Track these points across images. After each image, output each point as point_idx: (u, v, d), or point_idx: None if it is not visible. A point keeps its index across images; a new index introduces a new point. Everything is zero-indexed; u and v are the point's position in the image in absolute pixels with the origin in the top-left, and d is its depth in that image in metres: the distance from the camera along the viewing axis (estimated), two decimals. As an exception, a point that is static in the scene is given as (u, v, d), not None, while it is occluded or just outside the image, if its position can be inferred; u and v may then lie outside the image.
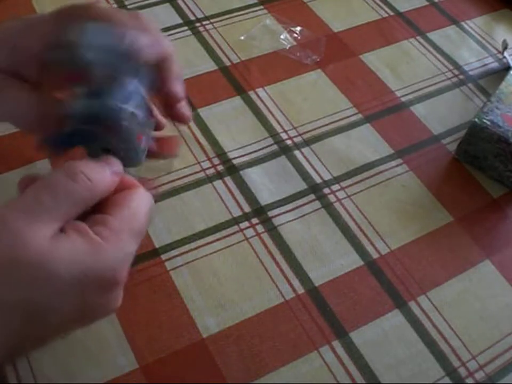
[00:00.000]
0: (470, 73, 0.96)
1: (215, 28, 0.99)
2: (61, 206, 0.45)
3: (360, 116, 0.88)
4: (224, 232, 0.74)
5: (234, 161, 0.81)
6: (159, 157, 0.64)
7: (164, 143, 0.63)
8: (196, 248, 0.72)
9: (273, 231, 0.74)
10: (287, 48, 0.97)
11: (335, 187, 0.79)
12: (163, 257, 0.71)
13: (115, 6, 1.00)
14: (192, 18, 1.00)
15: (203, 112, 0.86)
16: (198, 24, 0.99)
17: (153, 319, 0.66)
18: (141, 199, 0.50)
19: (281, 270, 0.71)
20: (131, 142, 0.55)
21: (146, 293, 0.68)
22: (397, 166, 0.82)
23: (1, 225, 0.43)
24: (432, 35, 1.02)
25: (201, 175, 0.79)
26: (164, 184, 0.78)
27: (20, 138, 0.81)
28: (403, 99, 0.91)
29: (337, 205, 0.77)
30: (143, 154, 0.58)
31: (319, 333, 0.66)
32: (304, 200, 0.78)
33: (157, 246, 0.72)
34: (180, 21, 0.99)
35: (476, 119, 0.79)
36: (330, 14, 1.03)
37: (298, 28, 0.99)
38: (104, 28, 0.53)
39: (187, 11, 1.01)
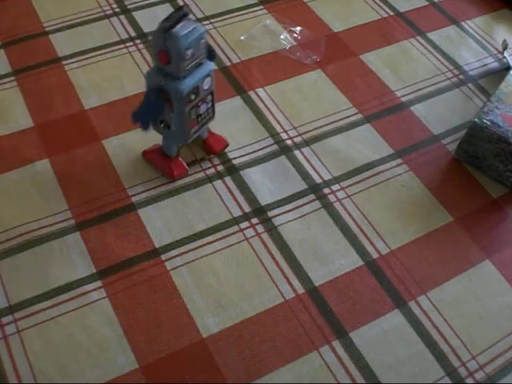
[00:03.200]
0: (470, 73, 0.96)
1: (215, 28, 0.99)
2: None
3: (360, 115, 0.88)
4: (224, 232, 0.74)
5: (234, 161, 0.81)
6: (204, 148, 0.79)
7: (215, 139, 0.80)
8: (195, 248, 0.72)
9: (273, 231, 0.74)
10: (287, 48, 0.97)
11: (335, 187, 0.79)
12: (163, 257, 0.71)
13: (115, 6, 1.00)
14: (192, 18, 1.00)
15: (203, 112, 0.86)
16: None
17: (153, 319, 0.66)
18: None
19: (281, 270, 0.71)
20: (185, 123, 0.71)
21: (146, 293, 0.68)
22: (397, 166, 0.82)
23: None
24: (432, 35, 1.02)
25: (201, 175, 0.79)
26: (164, 184, 0.78)
27: (20, 138, 0.81)
28: (403, 99, 0.91)
29: (337, 204, 0.77)
30: (191, 136, 0.74)
31: (319, 333, 0.66)
32: (304, 200, 0.78)
33: (157, 245, 0.72)
34: (180, 21, 0.99)
35: (476, 119, 0.79)
36: (330, 14, 1.03)
37: (298, 28, 0.99)
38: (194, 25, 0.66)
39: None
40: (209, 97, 0.73)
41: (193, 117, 0.72)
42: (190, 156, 0.80)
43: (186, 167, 0.78)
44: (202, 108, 0.73)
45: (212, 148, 0.80)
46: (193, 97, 0.70)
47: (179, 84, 0.68)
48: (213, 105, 0.75)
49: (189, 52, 0.66)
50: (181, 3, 1.02)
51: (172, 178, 0.77)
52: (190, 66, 0.67)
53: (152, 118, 0.72)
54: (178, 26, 0.64)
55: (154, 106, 0.70)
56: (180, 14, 0.65)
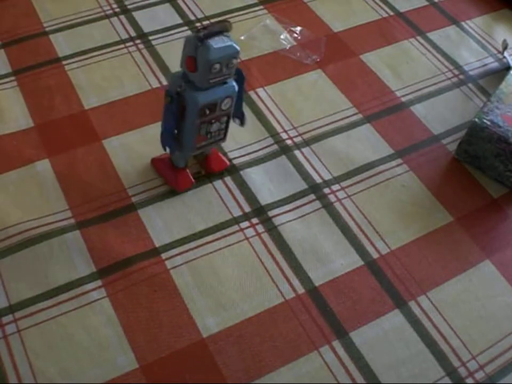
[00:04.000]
0: (470, 73, 0.96)
1: (215, 28, 0.99)
2: None
3: (360, 115, 0.88)
4: (224, 232, 0.74)
5: (235, 161, 0.81)
6: (203, 164, 0.78)
7: (217, 158, 0.79)
8: (196, 248, 0.72)
9: (273, 230, 0.74)
10: (287, 48, 0.97)
11: (335, 187, 0.79)
12: (163, 256, 0.71)
13: (115, 6, 1.00)
14: (192, 18, 1.00)
15: (203, 112, 0.86)
16: (198, 24, 0.99)
17: (153, 319, 0.66)
18: None
19: (281, 270, 0.71)
20: (192, 134, 0.70)
21: (147, 292, 0.68)
22: (397, 166, 0.82)
23: None
24: (432, 35, 1.02)
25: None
26: (164, 184, 0.78)
27: (20, 138, 0.81)
28: (403, 99, 0.91)
29: (337, 204, 0.77)
30: (195, 150, 0.73)
31: (319, 333, 0.66)
32: (304, 200, 0.78)
33: (157, 245, 0.72)
34: (180, 21, 0.99)
35: (476, 119, 0.79)
36: (330, 14, 1.03)
37: (298, 28, 0.99)
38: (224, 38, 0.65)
39: (187, 11, 1.01)
40: (224, 119, 0.72)
41: (203, 133, 0.71)
42: (196, 167, 0.80)
43: (193, 179, 0.77)
44: (214, 127, 0.71)
45: (210, 167, 0.78)
46: (208, 112, 0.68)
47: (198, 94, 0.66)
48: (226, 128, 0.73)
49: (217, 66, 0.64)
50: (181, 3, 1.02)
51: (178, 191, 0.76)
52: (214, 80, 0.66)
53: (172, 126, 0.70)
54: (214, 39, 0.63)
55: (169, 111, 0.68)
56: (221, 26, 0.64)
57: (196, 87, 0.66)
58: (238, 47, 0.66)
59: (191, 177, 0.77)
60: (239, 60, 0.67)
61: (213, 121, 0.70)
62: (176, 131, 0.71)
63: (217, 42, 0.63)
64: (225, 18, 0.65)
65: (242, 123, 0.75)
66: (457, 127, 0.88)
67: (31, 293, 0.67)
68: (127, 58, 0.93)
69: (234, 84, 0.69)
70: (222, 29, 0.64)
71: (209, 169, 0.79)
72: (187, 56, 0.65)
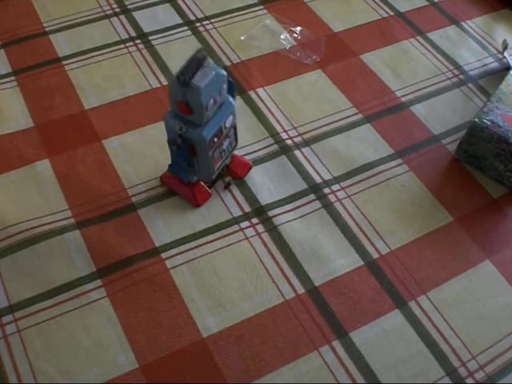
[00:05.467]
0: (470, 73, 0.96)
1: (215, 28, 0.99)
2: None
3: (360, 115, 0.88)
4: (224, 232, 0.74)
5: (235, 161, 0.81)
6: (229, 174, 0.77)
7: (239, 162, 0.78)
8: (196, 247, 0.72)
9: (273, 230, 0.74)
10: (287, 48, 0.97)
11: (335, 187, 0.79)
12: (163, 255, 0.71)
13: (115, 6, 1.00)
14: (192, 18, 1.00)
15: (203, 112, 0.86)
16: (198, 24, 0.99)
17: (153, 319, 0.66)
18: None
19: (281, 270, 0.71)
20: (209, 164, 0.69)
21: (147, 292, 0.68)
22: (397, 166, 0.82)
23: None
24: (432, 35, 1.02)
25: (201, 175, 0.79)
26: (164, 184, 0.78)
27: (20, 138, 0.81)
28: (403, 99, 0.91)
29: (337, 204, 0.77)
30: (215, 173, 0.72)
31: (319, 333, 0.66)
32: (304, 200, 0.78)
33: (157, 244, 0.72)
34: (180, 21, 0.99)
35: (476, 119, 0.79)
36: (330, 14, 1.03)
37: (298, 28, 0.99)
38: (213, 76, 0.62)
39: (187, 11, 1.01)
40: (232, 131, 0.71)
41: (217, 155, 0.70)
42: (223, 179, 0.78)
43: (209, 190, 0.76)
44: (225, 144, 0.71)
45: (236, 173, 0.78)
46: (216, 139, 0.67)
47: (202, 131, 0.65)
48: (235, 134, 0.73)
49: (211, 101, 0.63)
50: (181, 3, 1.02)
51: (196, 206, 0.75)
52: (212, 112, 0.65)
53: (185, 166, 0.69)
54: (198, 76, 0.60)
55: (180, 156, 0.67)
56: (198, 58, 0.61)
57: (196, 124, 0.65)
58: (223, 71, 0.63)
59: (207, 188, 0.76)
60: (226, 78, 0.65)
61: (223, 141, 0.70)
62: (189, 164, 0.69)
63: (202, 79, 0.60)
64: (199, 48, 0.62)
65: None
66: (457, 127, 0.88)
67: (31, 293, 0.67)
68: (127, 58, 0.93)
69: (230, 99, 0.68)
70: (200, 61, 0.61)
71: (235, 176, 0.78)
72: (177, 102, 0.62)
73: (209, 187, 0.76)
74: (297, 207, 0.77)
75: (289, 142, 0.84)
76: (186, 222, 0.74)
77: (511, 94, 0.83)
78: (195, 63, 0.60)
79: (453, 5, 1.08)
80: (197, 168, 0.70)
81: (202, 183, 0.76)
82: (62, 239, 0.71)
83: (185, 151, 0.67)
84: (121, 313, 0.66)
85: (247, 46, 0.96)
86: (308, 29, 0.99)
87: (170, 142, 0.67)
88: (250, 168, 0.79)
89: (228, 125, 0.69)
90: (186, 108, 0.62)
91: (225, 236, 0.73)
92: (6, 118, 0.83)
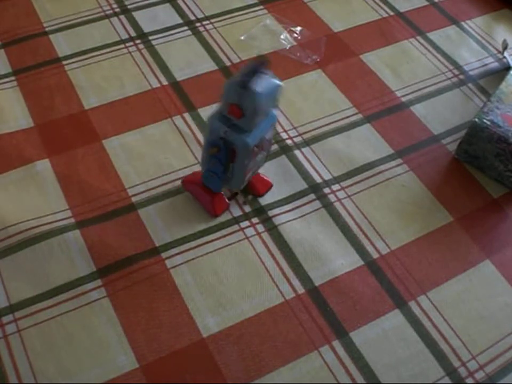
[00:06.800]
0: (470, 73, 0.96)
1: (215, 28, 0.99)
2: None
3: (360, 115, 0.88)
4: (224, 231, 0.74)
5: (235, 161, 0.81)
6: (250, 189, 0.76)
7: (259, 180, 0.77)
8: (196, 247, 0.72)
9: (273, 230, 0.74)
10: (287, 48, 0.97)
11: (335, 187, 0.79)
12: (163, 255, 0.71)
13: (115, 6, 1.00)
14: (192, 18, 1.00)
15: (203, 112, 0.86)
16: (198, 24, 0.99)
17: (153, 319, 0.66)
18: None
19: (281, 270, 0.71)
20: (243, 173, 0.69)
21: (147, 291, 0.68)
22: (397, 166, 0.82)
23: None
24: (432, 35, 1.02)
25: (201, 175, 0.79)
26: (164, 184, 0.78)
27: (20, 138, 0.81)
28: (403, 99, 0.91)
29: (337, 204, 0.77)
30: (245, 183, 0.72)
31: (319, 333, 0.66)
32: (304, 200, 0.78)
33: (157, 244, 0.72)
34: (180, 21, 0.99)
35: (476, 119, 0.79)
36: (330, 14, 1.03)
37: (298, 28, 0.99)
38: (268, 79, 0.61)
39: (187, 11, 1.01)
40: (268, 144, 0.70)
41: (251, 166, 0.70)
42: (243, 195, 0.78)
43: (228, 201, 0.75)
44: (259, 156, 0.70)
45: (257, 190, 0.77)
46: (256, 149, 0.67)
47: (247, 137, 0.64)
48: (269, 149, 0.72)
49: (264, 109, 0.62)
50: (181, 3, 1.02)
51: (214, 216, 0.75)
52: (260, 120, 0.64)
53: (220, 172, 0.68)
54: (255, 80, 0.60)
55: (218, 160, 0.66)
56: (259, 64, 0.60)
57: (241, 129, 0.64)
58: (280, 82, 0.63)
59: (226, 199, 0.75)
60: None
61: (258, 152, 0.69)
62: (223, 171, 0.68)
63: (259, 84, 0.60)
64: (262, 55, 0.61)
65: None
66: (457, 127, 0.88)
67: (31, 293, 0.67)
68: (127, 58, 0.93)
69: (274, 112, 0.67)
70: (260, 67, 0.60)
71: (256, 193, 0.77)
72: (231, 104, 0.62)
73: (229, 199, 0.76)
74: (297, 207, 0.77)
75: (289, 142, 0.84)
76: (186, 222, 0.74)
77: (511, 94, 0.83)
78: (256, 69, 0.60)
79: (453, 5, 1.08)
80: (229, 176, 0.69)
81: (222, 193, 0.75)
82: (62, 239, 0.71)
83: (225, 155, 0.66)
84: (121, 313, 0.66)
85: (247, 46, 0.96)
86: (308, 29, 0.99)
87: (210, 144, 0.66)
88: (271, 187, 0.78)
89: (267, 137, 0.68)
90: (238, 111, 0.61)
91: (225, 235, 0.73)
92: (6, 118, 0.83)
